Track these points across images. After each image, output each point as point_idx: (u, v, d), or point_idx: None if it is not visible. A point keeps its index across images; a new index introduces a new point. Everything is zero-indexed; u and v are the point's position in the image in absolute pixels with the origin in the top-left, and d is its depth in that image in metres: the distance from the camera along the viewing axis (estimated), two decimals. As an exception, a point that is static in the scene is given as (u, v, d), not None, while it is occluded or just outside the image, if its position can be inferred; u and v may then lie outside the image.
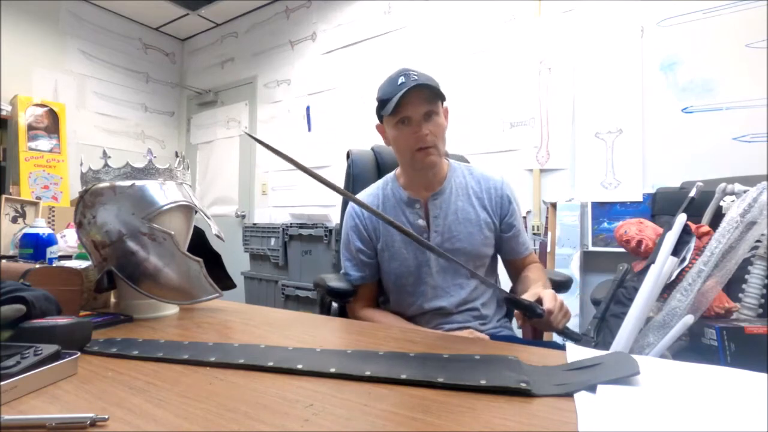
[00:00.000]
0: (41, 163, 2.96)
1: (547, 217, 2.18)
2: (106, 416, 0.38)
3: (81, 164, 0.85)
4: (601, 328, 1.21)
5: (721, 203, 1.30)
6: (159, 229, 0.80)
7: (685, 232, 1.10)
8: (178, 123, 4.33)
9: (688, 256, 1.12)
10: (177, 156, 0.98)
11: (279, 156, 0.67)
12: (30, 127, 2.97)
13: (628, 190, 2.02)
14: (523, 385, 0.45)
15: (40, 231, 1.12)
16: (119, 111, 3.82)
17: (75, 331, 0.59)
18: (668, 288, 1.08)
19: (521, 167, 2.32)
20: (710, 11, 1.88)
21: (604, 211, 2.05)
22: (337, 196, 3.27)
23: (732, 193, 1.27)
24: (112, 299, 0.96)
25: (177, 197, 0.84)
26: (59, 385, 0.47)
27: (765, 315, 1.11)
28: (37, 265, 0.83)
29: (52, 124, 3.08)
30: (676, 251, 1.05)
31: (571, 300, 1.99)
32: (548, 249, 2.11)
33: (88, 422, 0.37)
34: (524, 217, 2.26)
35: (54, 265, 1.00)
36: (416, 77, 0.91)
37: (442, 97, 0.94)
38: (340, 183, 3.48)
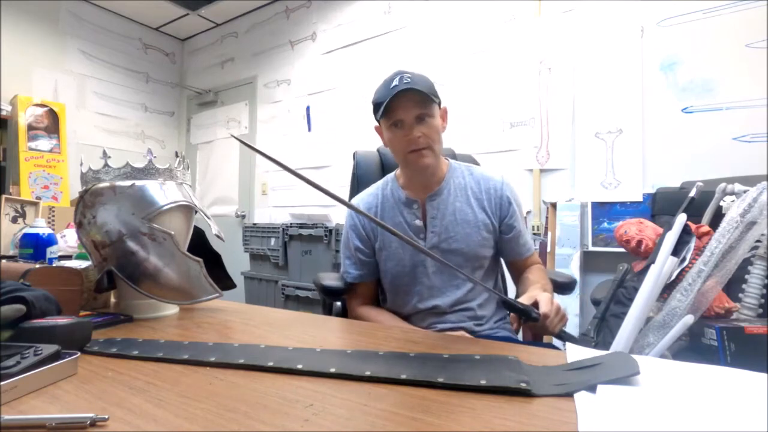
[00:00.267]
0: (41, 163, 2.96)
1: (547, 217, 2.18)
2: (106, 416, 0.38)
3: (81, 164, 0.85)
4: (601, 328, 1.21)
5: (721, 203, 1.30)
6: (159, 229, 0.80)
7: (685, 232, 1.10)
8: (178, 123, 4.33)
9: (688, 256, 1.12)
10: (177, 156, 0.98)
11: (269, 160, 0.67)
12: (30, 127, 2.97)
13: (628, 190, 2.02)
14: (523, 385, 0.45)
15: (40, 231, 1.12)
16: (119, 111, 3.82)
17: (75, 331, 0.59)
18: (668, 288, 1.08)
19: (521, 167, 2.32)
20: (710, 11, 1.88)
21: (604, 211, 2.05)
22: (337, 196, 3.21)
23: (732, 193, 1.27)
24: (112, 299, 0.96)
25: (177, 197, 0.84)
26: (59, 385, 0.47)
27: (765, 315, 1.11)
28: (37, 265, 0.83)
29: (52, 124, 3.08)
30: (676, 251, 1.05)
31: (571, 300, 1.99)
32: (548, 249, 2.11)
33: (88, 422, 0.37)
34: (524, 218, 2.26)
35: (54, 265, 1.00)
36: (409, 80, 0.92)
37: (435, 100, 0.95)
38: (344, 183, 3.48)
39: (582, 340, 1.21)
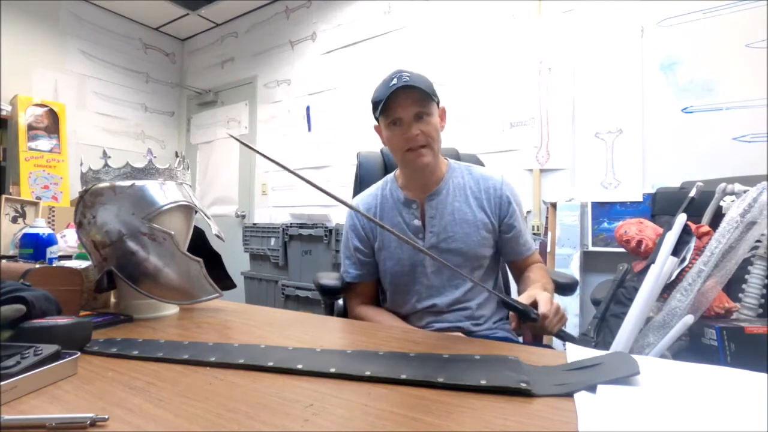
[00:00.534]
0: (41, 163, 2.96)
1: (547, 217, 2.18)
2: (106, 416, 0.38)
3: (81, 164, 0.85)
4: (601, 328, 1.21)
5: (721, 203, 1.30)
6: (159, 229, 0.80)
7: (685, 232, 1.10)
8: (178, 123, 4.33)
9: (688, 256, 1.12)
10: (177, 156, 0.98)
11: (268, 160, 0.67)
12: (30, 127, 2.97)
13: (628, 190, 2.02)
14: (523, 385, 0.45)
15: (40, 231, 1.12)
16: (119, 111, 3.82)
17: (75, 331, 0.59)
18: (668, 288, 1.08)
19: (521, 167, 2.32)
20: (710, 11, 1.88)
21: (604, 211, 2.05)
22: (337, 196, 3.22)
23: (732, 193, 1.27)
24: (112, 299, 0.96)
25: (177, 197, 0.84)
26: (59, 385, 0.47)
27: (765, 315, 1.11)
28: (37, 265, 0.83)
29: (52, 124, 3.08)
30: (676, 251, 1.06)
31: (571, 300, 1.98)
32: (548, 249, 2.11)
33: (88, 422, 0.37)
34: (524, 217, 2.26)
35: (54, 265, 1.00)
36: (408, 78, 0.91)
37: (433, 98, 0.94)
38: (345, 183, 3.46)
39: (582, 340, 1.21)
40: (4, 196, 1.81)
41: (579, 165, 2.16)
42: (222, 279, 0.98)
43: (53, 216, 2.46)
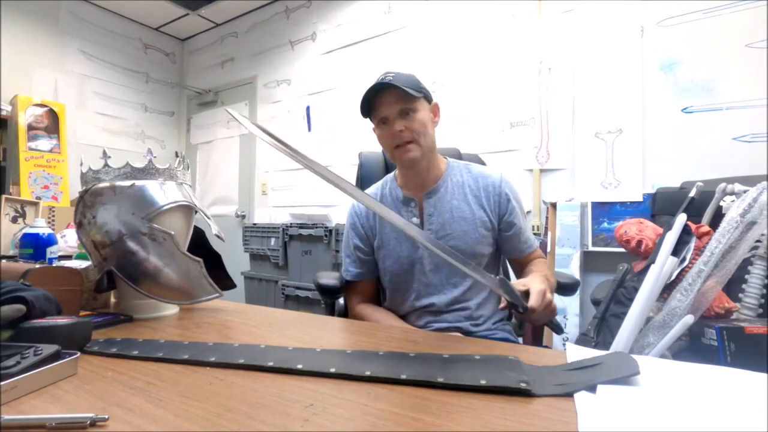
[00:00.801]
0: (41, 163, 2.96)
1: (547, 217, 2.18)
2: (106, 416, 0.38)
3: (81, 164, 0.85)
4: (601, 328, 1.21)
5: (721, 203, 1.30)
6: (159, 229, 0.80)
7: (685, 232, 1.10)
8: (178, 123, 4.33)
9: (688, 256, 1.12)
10: (177, 156, 0.98)
11: (278, 143, 0.69)
12: (30, 127, 2.96)
13: (628, 190, 2.02)
14: (523, 385, 0.45)
15: (40, 231, 1.12)
16: (119, 111, 3.82)
17: (75, 331, 0.59)
18: (668, 288, 1.08)
19: (521, 167, 2.32)
20: (710, 11, 1.88)
21: (604, 211, 2.05)
22: (337, 196, 3.26)
23: (732, 193, 1.27)
24: (112, 299, 0.96)
25: (177, 197, 0.84)
26: (59, 385, 0.47)
27: (765, 315, 1.11)
28: (37, 265, 0.83)
29: (52, 124, 3.08)
30: (676, 251, 1.06)
31: (571, 300, 1.99)
32: (548, 249, 2.11)
33: (88, 422, 0.37)
34: (524, 215, 2.26)
35: (54, 265, 1.00)
36: (391, 78, 0.94)
37: (418, 94, 0.95)
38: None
39: (582, 340, 1.22)
40: (4, 196, 1.81)
41: (579, 165, 2.16)
42: (222, 279, 0.98)
43: (53, 216, 2.46)
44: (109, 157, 0.84)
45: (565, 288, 1.10)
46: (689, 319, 0.94)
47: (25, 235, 1.11)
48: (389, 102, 0.95)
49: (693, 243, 1.13)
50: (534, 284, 0.76)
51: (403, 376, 0.48)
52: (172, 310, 0.88)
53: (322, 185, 3.22)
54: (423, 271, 1.01)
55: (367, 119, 1.03)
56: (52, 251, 1.11)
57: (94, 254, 0.81)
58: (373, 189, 1.13)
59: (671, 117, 1.95)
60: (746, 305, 1.13)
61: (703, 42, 1.89)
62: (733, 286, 1.14)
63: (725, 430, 0.37)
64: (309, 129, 3.32)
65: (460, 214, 1.01)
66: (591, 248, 2.04)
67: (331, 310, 1.25)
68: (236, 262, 3.03)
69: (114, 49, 3.78)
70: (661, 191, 1.83)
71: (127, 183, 0.81)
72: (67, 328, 0.57)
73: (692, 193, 1.23)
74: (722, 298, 1.10)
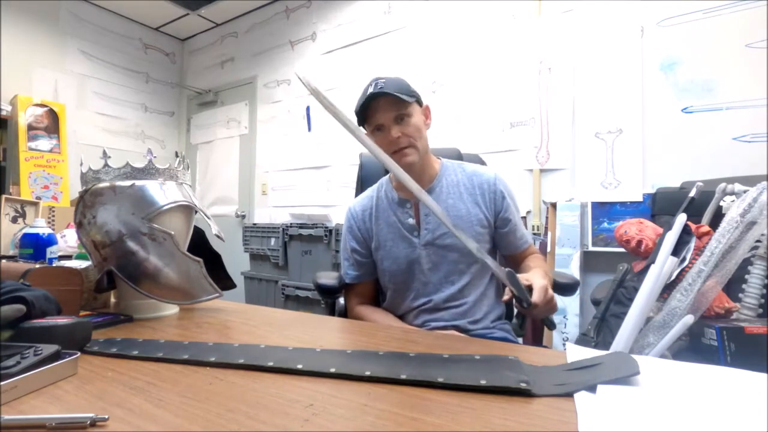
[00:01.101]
0: (41, 163, 2.96)
1: (547, 217, 2.18)
2: (106, 416, 0.38)
3: (81, 164, 0.85)
4: (601, 328, 1.21)
5: (721, 203, 1.30)
6: (159, 229, 0.80)
7: (685, 232, 1.10)
8: (178, 123, 4.33)
9: (688, 256, 1.12)
10: (177, 156, 0.98)
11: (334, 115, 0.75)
12: (30, 127, 2.96)
13: (628, 190, 2.02)
14: (523, 385, 0.45)
15: (40, 231, 1.12)
16: (119, 111, 3.82)
17: (75, 331, 0.59)
18: (668, 288, 1.08)
19: (521, 167, 2.32)
20: (710, 11, 1.88)
21: (604, 211, 2.05)
22: (337, 197, 3.25)
23: (732, 193, 1.27)
24: (112, 299, 0.96)
25: (177, 197, 0.84)
26: (59, 385, 0.47)
27: (765, 315, 1.11)
28: (37, 265, 0.83)
29: (52, 124, 3.08)
30: (676, 251, 1.06)
31: (571, 300, 1.99)
32: (548, 249, 2.11)
33: (88, 422, 0.37)
34: (524, 217, 2.26)
35: (54, 265, 1.00)
36: (383, 84, 0.95)
37: (410, 99, 0.96)
38: (345, 183, 3.44)
39: (582, 340, 1.22)
40: (4, 196, 1.81)
41: (579, 165, 2.16)
42: (222, 279, 0.98)
43: (53, 216, 2.46)
44: (109, 157, 0.84)
45: (565, 288, 1.10)
46: (689, 319, 0.94)
47: (25, 235, 1.11)
48: (384, 109, 0.96)
49: (693, 243, 1.13)
50: (537, 280, 0.78)
51: (403, 376, 0.48)
52: (172, 310, 0.88)
53: (322, 185, 3.22)
54: (422, 270, 1.02)
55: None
56: (52, 251, 1.12)
57: (94, 254, 0.81)
58: (369, 192, 1.14)
59: (671, 117, 1.95)
60: (746, 305, 1.13)
61: (703, 42, 1.89)
62: (733, 286, 1.14)
63: (725, 430, 0.37)
64: (309, 129, 3.32)
65: (456, 213, 1.01)
66: (591, 248, 2.04)
67: (331, 310, 1.25)
68: (236, 262, 3.03)
69: (114, 49, 3.78)
70: (661, 191, 1.83)
71: (127, 183, 0.81)
72: (67, 328, 0.57)
73: (692, 193, 1.23)
74: (722, 298, 1.10)
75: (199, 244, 0.96)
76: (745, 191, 1.13)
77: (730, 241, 1.04)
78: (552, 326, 0.87)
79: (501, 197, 1.04)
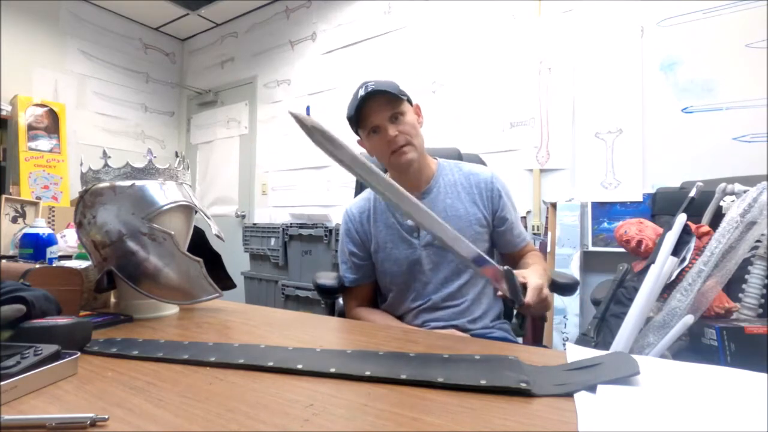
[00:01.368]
0: (41, 163, 2.96)
1: (547, 217, 2.18)
2: (106, 416, 0.38)
3: (81, 164, 0.85)
4: (601, 328, 1.21)
5: (721, 203, 1.30)
6: (159, 229, 0.80)
7: (685, 232, 1.10)
8: (178, 123, 4.33)
9: (688, 256, 1.12)
10: (177, 156, 0.98)
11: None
12: (30, 127, 2.96)
13: (628, 190, 2.02)
14: (523, 385, 0.45)
15: (40, 231, 1.12)
16: (119, 111, 3.82)
17: (75, 331, 0.59)
18: (668, 288, 1.08)
19: (521, 167, 2.32)
20: (710, 11, 1.88)
21: (604, 211, 2.05)
22: (337, 197, 3.26)
23: (732, 193, 1.27)
24: (112, 299, 0.96)
25: (177, 197, 0.84)
26: (59, 385, 0.47)
27: (765, 315, 1.11)
28: (37, 265, 0.83)
29: (52, 124, 3.08)
30: (676, 251, 1.06)
31: (571, 300, 1.99)
32: (548, 249, 2.11)
33: (88, 422, 0.37)
34: (524, 217, 2.26)
35: (54, 265, 1.00)
36: (373, 85, 0.95)
37: (403, 98, 0.96)
38: (345, 183, 3.43)
39: (582, 340, 1.22)
40: (4, 196, 1.81)
41: (579, 165, 2.16)
42: (222, 279, 0.98)
43: (53, 216, 2.46)
44: (109, 157, 0.84)
45: (565, 288, 1.10)
46: (689, 319, 0.94)
47: (25, 235, 1.11)
48: (378, 109, 0.96)
49: (693, 243, 1.13)
50: (532, 279, 0.77)
51: (403, 376, 0.48)
52: (172, 310, 0.88)
53: (321, 185, 3.22)
54: (422, 271, 1.02)
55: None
56: (52, 251, 1.11)
57: (94, 254, 0.81)
58: (365, 194, 1.13)
59: (671, 117, 1.95)
60: (746, 305, 1.13)
61: (703, 42, 1.89)
62: (733, 286, 1.14)
63: (725, 430, 0.37)
64: (309, 129, 3.31)
65: (455, 212, 1.01)
66: (591, 248, 2.04)
67: (331, 310, 1.25)
68: (236, 262, 3.03)
69: (114, 49, 3.78)
70: (661, 191, 1.83)
71: (127, 183, 0.81)
72: (67, 328, 0.57)
73: (692, 193, 1.23)
74: (722, 298, 1.10)
75: (199, 244, 0.96)
76: (745, 191, 1.13)
77: (730, 241, 1.04)
78: (542, 319, 0.86)
79: (498, 196, 1.04)
